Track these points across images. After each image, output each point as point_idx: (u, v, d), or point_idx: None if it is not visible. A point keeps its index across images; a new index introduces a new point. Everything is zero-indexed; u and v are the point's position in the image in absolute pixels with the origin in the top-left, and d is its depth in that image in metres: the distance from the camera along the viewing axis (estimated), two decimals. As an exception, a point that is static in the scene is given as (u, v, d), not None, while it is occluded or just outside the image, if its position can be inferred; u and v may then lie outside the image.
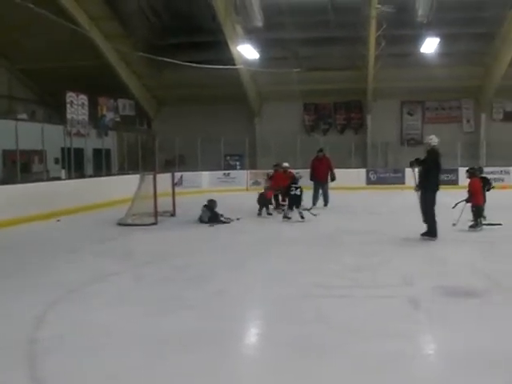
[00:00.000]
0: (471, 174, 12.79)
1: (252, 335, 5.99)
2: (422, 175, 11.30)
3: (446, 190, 14.88)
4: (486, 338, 5.35)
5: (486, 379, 4.51)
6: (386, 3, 21.31)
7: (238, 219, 14.72)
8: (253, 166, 27.67)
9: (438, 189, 11.14)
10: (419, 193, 11.34)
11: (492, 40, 25.40)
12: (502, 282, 7.60)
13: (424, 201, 11.21)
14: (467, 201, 12.35)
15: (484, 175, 13.62)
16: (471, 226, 12.24)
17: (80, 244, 11.59)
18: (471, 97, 29.52)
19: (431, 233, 11.13)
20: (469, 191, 12.42)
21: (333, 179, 17.75)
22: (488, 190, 12.89)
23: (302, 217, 14.59)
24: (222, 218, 14.35)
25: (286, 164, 17.55)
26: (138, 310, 6.49)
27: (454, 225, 12.18)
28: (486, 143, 28.48)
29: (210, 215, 14.35)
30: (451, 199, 12.51)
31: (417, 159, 11.43)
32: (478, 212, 12.27)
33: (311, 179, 17.95)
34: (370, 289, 7.38)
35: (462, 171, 15.17)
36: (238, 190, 24.29)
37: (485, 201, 12.70)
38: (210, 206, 14.63)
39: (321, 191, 17.67)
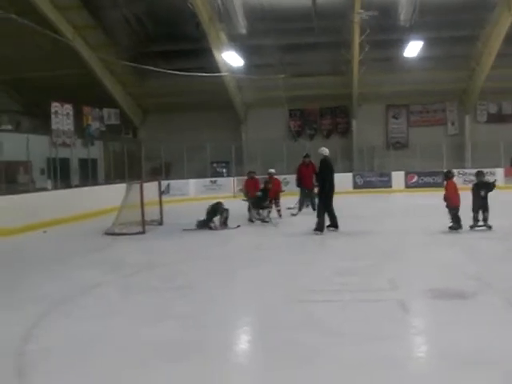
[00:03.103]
0: (447, 177, 13.08)
1: (241, 342, 5.95)
2: (319, 182, 13.48)
3: (432, 192, 14.96)
4: (477, 340, 5.35)
5: (479, 380, 4.52)
6: (369, 8, 21.40)
7: (238, 226, 14.77)
8: (240, 173, 27.62)
9: (331, 192, 13.12)
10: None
11: (475, 43, 25.63)
12: (492, 283, 7.61)
13: (319, 202, 13.31)
14: (447, 206, 12.47)
15: (485, 180, 13.11)
16: (451, 228, 12.38)
17: (67, 255, 11.51)
18: (455, 99, 29.79)
19: (319, 228, 12.93)
20: (445, 194, 12.59)
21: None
22: (490, 190, 12.38)
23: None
24: (211, 225, 14.38)
25: (272, 170, 17.46)
26: (126, 320, 6.44)
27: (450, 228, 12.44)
28: (471, 145, 28.71)
29: (203, 220, 14.44)
30: (437, 201, 12.59)
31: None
32: (456, 213, 12.37)
33: (298, 185, 17.79)
34: (359, 292, 7.37)
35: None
36: (224, 198, 24.18)
37: (487, 209, 12.31)
38: (213, 208, 14.73)
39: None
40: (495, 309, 6.42)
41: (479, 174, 13.00)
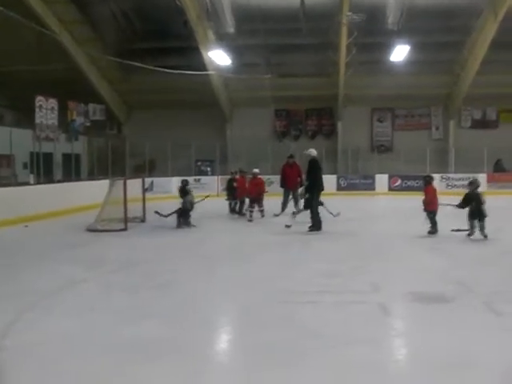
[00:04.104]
0: (427, 181, 13.19)
1: (221, 341, 5.93)
2: (309, 181, 13.58)
3: (415, 196, 15.05)
4: (457, 343, 5.38)
5: (458, 382, 4.55)
6: (357, 11, 21.48)
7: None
8: (224, 172, 27.59)
9: (322, 190, 13.62)
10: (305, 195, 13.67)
11: (461, 49, 25.86)
12: (472, 287, 7.66)
13: (310, 201, 13.35)
14: (425, 209, 12.60)
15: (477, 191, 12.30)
16: (429, 232, 12.48)
17: (48, 250, 11.44)
18: (440, 104, 29.99)
19: (316, 227, 13.26)
20: (424, 198, 12.70)
21: (302, 185, 17.61)
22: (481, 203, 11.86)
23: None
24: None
25: (256, 170, 17.44)
26: (106, 318, 6.39)
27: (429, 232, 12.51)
28: (454, 150, 28.91)
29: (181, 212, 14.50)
30: (420, 205, 12.67)
31: (305, 187, 13.97)
32: (434, 217, 12.51)
33: (282, 186, 17.70)
34: (340, 294, 7.38)
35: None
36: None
37: (482, 217, 11.78)
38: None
39: (291, 197, 17.53)
40: (475, 312, 6.45)
41: (472, 184, 12.31)
